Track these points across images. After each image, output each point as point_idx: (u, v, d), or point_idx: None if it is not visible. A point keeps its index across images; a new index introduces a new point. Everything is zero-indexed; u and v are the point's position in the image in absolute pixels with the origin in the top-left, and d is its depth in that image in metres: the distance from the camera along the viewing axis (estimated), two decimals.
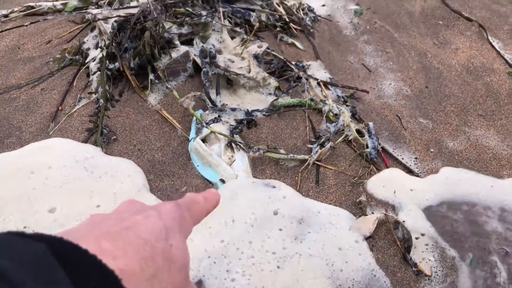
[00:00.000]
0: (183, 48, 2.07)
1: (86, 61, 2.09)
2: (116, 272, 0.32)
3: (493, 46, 2.42)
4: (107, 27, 2.12)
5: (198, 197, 0.52)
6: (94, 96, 1.94)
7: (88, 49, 2.16)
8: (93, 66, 2.05)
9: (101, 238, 0.35)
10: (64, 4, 2.50)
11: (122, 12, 2.18)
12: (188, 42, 2.19)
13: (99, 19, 2.10)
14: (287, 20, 2.45)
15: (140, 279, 0.34)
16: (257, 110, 1.93)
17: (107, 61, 2.02)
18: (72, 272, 0.30)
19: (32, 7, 2.46)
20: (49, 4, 2.48)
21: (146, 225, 0.40)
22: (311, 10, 2.63)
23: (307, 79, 2.10)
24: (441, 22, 2.60)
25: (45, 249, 0.30)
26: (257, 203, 1.50)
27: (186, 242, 0.44)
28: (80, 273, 0.30)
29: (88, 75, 2.05)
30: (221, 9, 2.31)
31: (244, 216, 1.46)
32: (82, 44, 2.18)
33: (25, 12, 2.44)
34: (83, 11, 2.31)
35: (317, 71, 2.20)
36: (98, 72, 2.01)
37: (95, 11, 2.18)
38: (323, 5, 2.71)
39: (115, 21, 2.10)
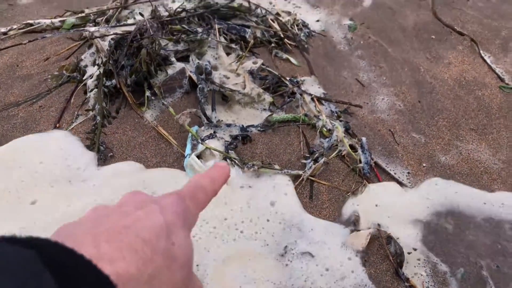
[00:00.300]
0: (179, 65, 2.11)
1: (83, 78, 2.12)
2: (113, 277, 0.31)
3: (484, 60, 2.46)
4: (104, 44, 2.16)
5: (204, 180, 0.49)
6: (91, 113, 1.97)
7: (86, 66, 2.19)
8: (90, 83, 2.08)
9: (99, 238, 0.34)
10: (62, 22, 2.54)
11: (119, 30, 2.22)
12: (184, 58, 2.22)
13: (96, 37, 2.13)
14: (282, 36, 2.49)
15: (138, 282, 0.34)
16: (252, 126, 1.96)
17: (104, 78, 2.06)
18: (63, 280, 0.29)
19: (31, 25, 2.50)
20: (48, 21, 2.52)
21: (147, 222, 0.38)
22: (305, 25, 2.67)
23: (301, 95, 2.13)
24: (433, 37, 2.65)
25: (34, 256, 0.29)
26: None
27: (190, 235, 0.43)
28: (72, 281, 0.30)
29: (85, 92, 2.08)
30: (216, 26, 2.35)
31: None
32: (79, 61, 2.21)
33: (23, 30, 2.48)
34: (81, 28, 2.34)
35: (311, 86, 2.23)
36: (95, 89, 2.04)
37: (92, 28, 2.22)
38: (318, 21, 2.75)
39: (112, 38, 2.13)
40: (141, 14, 2.28)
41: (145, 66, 2.01)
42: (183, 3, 2.54)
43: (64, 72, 2.19)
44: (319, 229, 1.52)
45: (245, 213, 1.54)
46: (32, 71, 2.20)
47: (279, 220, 1.52)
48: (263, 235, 1.48)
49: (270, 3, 2.86)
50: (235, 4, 2.52)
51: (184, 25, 2.31)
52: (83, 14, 2.60)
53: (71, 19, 2.53)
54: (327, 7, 2.90)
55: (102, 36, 2.15)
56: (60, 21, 2.54)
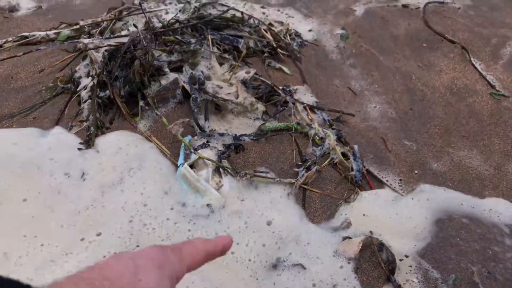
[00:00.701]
0: (172, 75, 2.12)
1: (77, 90, 2.14)
2: None
3: (475, 68, 2.49)
4: (98, 56, 2.17)
5: (196, 240, 0.55)
6: (85, 124, 1.98)
7: (80, 77, 2.21)
8: (84, 94, 2.09)
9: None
10: (57, 34, 2.56)
11: (113, 41, 2.24)
12: (178, 69, 2.24)
13: (90, 49, 2.15)
14: (275, 45, 2.51)
15: None
16: (245, 135, 1.97)
17: (98, 89, 2.07)
18: None
19: (26, 37, 2.52)
20: (42, 33, 2.54)
21: (114, 266, 0.45)
22: (298, 35, 2.70)
23: (293, 103, 2.15)
24: (425, 45, 2.68)
25: None
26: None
27: (169, 281, 0.47)
28: None
29: (79, 103, 2.09)
30: (210, 37, 2.37)
31: None
32: (74, 72, 2.23)
33: (18, 42, 2.50)
34: (75, 40, 2.37)
35: (304, 95, 2.25)
36: (89, 100, 2.06)
37: (86, 40, 2.24)
38: (310, 30, 2.78)
39: (105, 50, 2.15)
40: (135, 26, 2.31)
41: (139, 77, 2.03)
42: (177, 14, 2.56)
43: (59, 83, 2.21)
44: (311, 237, 1.52)
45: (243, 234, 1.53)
46: (27, 83, 2.22)
47: (276, 240, 1.52)
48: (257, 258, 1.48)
49: (263, 13, 2.90)
50: (228, 15, 2.55)
51: (177, 36, 2.33)
52: (77, 26, 2.62)
53: (66, 31, 2.56)
54: (319, 17, 2.93)
55: (96, 48, 2.17)
56: (55, 33, 2.57)
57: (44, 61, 2.38)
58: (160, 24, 2.41)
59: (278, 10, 2.94)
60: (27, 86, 2.20)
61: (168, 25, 2.39)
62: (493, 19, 2.95)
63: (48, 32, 2.55)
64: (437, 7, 3.05)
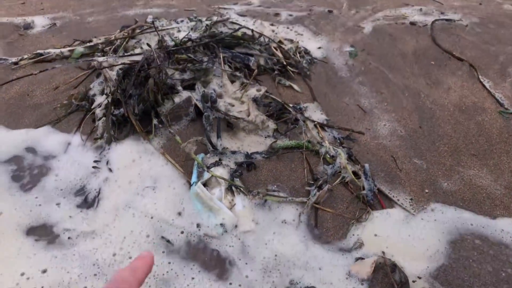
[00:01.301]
0: (185, 94, 2.16)
1: (92, 107, 2.18)
2: None
3: (484, 86, 2.51)
4: (112, 74, 2.22)
5: (125, 273, 0.55)
6: (99, 141, 2.02)
7: (94, 95, 2.25)
8: (99, 112, 2.13)
9: None
10: (71, 51, 2.61)
11: (126, 60, 2.28)
12: (190, 87, 2.28)
13: (104, 67, 2.20)
14: (285, 63, 2.55)
15: None
16: (257, 153, 2.00)
17: (112, 107, 2.11)
18: None
19: (41, 54, 2.58)
20: (57, 51, 2.59)
21: None
22: (307, 52, 2.74)
23: (304, 121, 2.17)
24: (433, 62, 2.71)
25: None
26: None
27: None
28: None
29: (93, 121, 2.13)
30: (221, 55, 2.42)
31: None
32: (88, 90, 2.27)
33: (34, 60, 2.55)
34: (90, 58, 2.41)
35: (314, 112, 2.28)
36: (104, 118, 2.09)
37: (101, 58, 2.29)
38: (319, 48, 2.82)
39: (120, 68, 2.20)
40: (148, 45, 2.35)
41: (152, 95, 2.06)
42: (189, 32, 2.61)
43: (73, 101, 2.25)
44: (323, 260, 1.54)
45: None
46: (42, 100, 2.26)
47: (288, 262, 1.53)
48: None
49: (273, 31, 2.94)
50: (239, 33, 2.59)
51: (190, 55, 2.38)
52: (91, 43, 2.68)
53: (80, 49, 2.61)
54: (328, 34, 2.97)
55: (110, 66, 2.21)
56: (69, 50, 2.62)
57: (59, 78, 2.43)
58: (173, 43, 2.46)
59: (287, 28, 2.98)
60: (42, 104, 2.24)
61: (181, 43, 2.43)
62: (500, 36, 2.98)
63: (63, 50, 2.61)
64: (444, 24, 3.08)
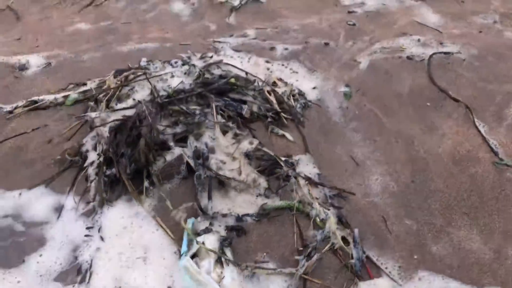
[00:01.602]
0: (177, 151, 2.18)
1: (84, 166, 2.20)
2: None
3: (479, 131, 2.49)
4: (105, 130, 2.23)
5: None
6: (91, 204, 2.04)
7: (87, 151, 2.27)
8: (91, 171, 2.15)
9: None
10: (65, 97, 2.63)
11: (118, 115, 2.29)
12: (183, 139, 2.29)
13: (96, 126, 2.21)
14: (278, 109, 2.54)
15: None
16: (247, 215, 2.02)
17: (105, 167, 2.13)
18: None
19: (35, 102, 2.60)
20: (51, 97, 2.61)
21: None
22: (302, 94, 2.73)
23: (295, 177, 2.18)
24: (428, 104, 2.68)
25: None
26: None
27: None
28: None
29: (86, 179, 2.16)
30: (214, 105, 2.41)
31: None
32: (81, 145, 2.29)
33: (28, 108, 2.57)
34: (82, 114, 2.42)
35: (306, 165, 2.28)
36: (96, 178, 2.12)
37: (93, 114, 2.30)
38: (314, 88, 2.81)
39: (111, 126, 2.21)
40: (139, 102, 2.35)
41: (144, 156, 2.08)
42: (181, 81, 2.60)
43: (67, 156, 2.27)
44: None
45: None
46: (36, 155, 2.29)
47: None
48: None
49: (268, 68, 2.93)
50: (232, 80, 2.58)
51: (182, 106, 2.38)
52: (85, 88, 2.69)
53: (73, 95, 2.62)
54: (323, 71, 2.95)
55: (102, 124, 2.22)
56: (63, 96, 2.63)
57: (53, 128, 2.45)
58: (166, 93, 2.46)
59: (283, 65, 2.97)
60: (37, 159, 2.27)
61: (173, 94, 2.43)
62: (498, 71, 2.94)
63: (57, 96, 2.62)
64: (442, 59, 3.04)
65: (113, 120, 2.23)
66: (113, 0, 3.71)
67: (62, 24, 3.42)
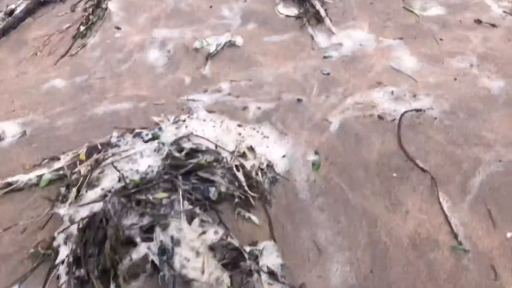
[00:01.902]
0: (142, 249, 2.26)
1: (56, 263, 2.29)
2: None
3: (442, 208, 2.55)
4: (74, 228, 2.32)
5: None
6: None
7: (59, 246, 2.36)
8: (62, 270, 2.25)
9: None
10: (39, 176, 2.70)
11: (87, 210, 2.37)
12: (150, 229, 2.37)
13: (64, 229, 2.29)
14: (246, 188, 2.60)
15: None
16: None
17: (74, 267, 2.23)
18: None
19: (10, 184, 2.67)
20: (25, 178, 2.68)
21: None
22: (271, 166, 2.77)
23: (258, 272, 2.27)
24: (395, 175, 2.73)
25: None
26: None
27: None
28: None
29: (58, 277, 2.26)
30: (180, 191, 2.48)
31: None
32: (53, 239, 2.38)
33: (4, 190, 2.65)
34: (52, 210, 2.48)
35: (271, 254, 2.36)
36: (67, 277, 2.22)
37: (62, 210, 2.38)
38: (284, 156, 2.85)
39: (79, 225, 2.29)
40: (106, 196, 2.41)
41: (109, 259, 2.17)
42: (150, 158, 2.65)
43: (39, 249, 2.37)
44: None
45: None
46: (10, 250, 2.38)
47: None
48: None
49: (240, 134, 2.96)
50: (203, 161, 2.63)
51: (149, 195, 2.45)
52: (59, 164, 2.75)
53: (47, 175, 2.69)
54: (294, 134, 2.99)
55: (69, 226, 2.30)
56: (37, 176, 2.70)
57: (27, 214, 2.53)
58: (134, 181, 2.52)
59: (254, 129, 3.00)
60: (11, 254, 2.36)
61: (141, 183, 2.49)
62: (468, 131, 2.96)
63: (31, 176, 2.69)
64: (413, 117, 3.06)
65: (81, 220, 2.31)
66: (88, 49, 3.69)
67: (38, 80, 3.43)
